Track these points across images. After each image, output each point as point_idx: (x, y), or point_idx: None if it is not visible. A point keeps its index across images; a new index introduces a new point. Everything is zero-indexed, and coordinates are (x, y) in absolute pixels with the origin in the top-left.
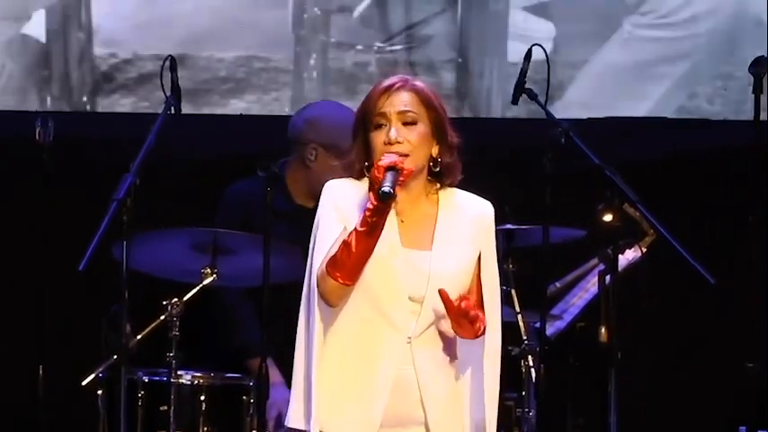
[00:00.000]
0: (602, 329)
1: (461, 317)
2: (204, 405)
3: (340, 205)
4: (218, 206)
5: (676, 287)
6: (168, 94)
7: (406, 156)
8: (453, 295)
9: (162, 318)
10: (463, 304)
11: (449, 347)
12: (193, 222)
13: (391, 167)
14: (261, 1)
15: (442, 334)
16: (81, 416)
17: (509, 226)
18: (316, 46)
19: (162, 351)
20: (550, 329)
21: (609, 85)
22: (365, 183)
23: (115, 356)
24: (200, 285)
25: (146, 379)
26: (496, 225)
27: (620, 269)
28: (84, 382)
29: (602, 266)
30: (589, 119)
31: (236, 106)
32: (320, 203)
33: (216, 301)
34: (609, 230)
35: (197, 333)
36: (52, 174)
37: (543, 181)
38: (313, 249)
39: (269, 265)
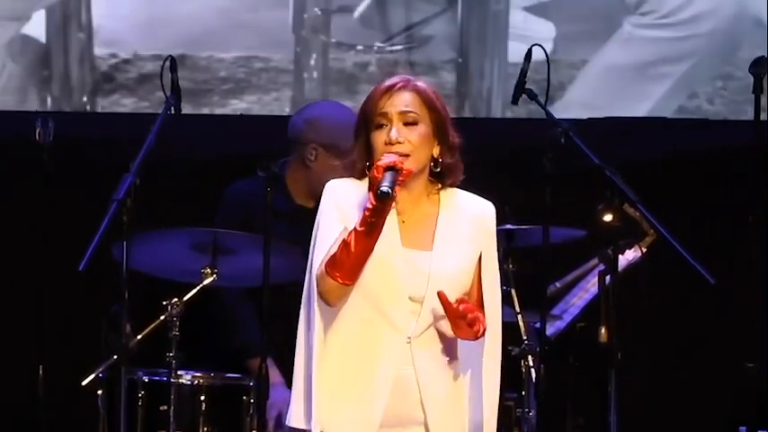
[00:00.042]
0: (602, 329)
1: (460, 319)
2: (204, 405)
3: (341, 205)
4: (218, 206)
5: (676, 287)
6: (168, 94)
7: (407, 156)
8: (453, 296)
9: (162, 318)
10: (462, 307)
11: (449, 348)
12: (193, 222)
13: (390, 167)
14: (261, 1)
15: (441, 334)
16: (81, 416)
17: (509, 226)
18: (316, 46)
19: (162, 351)
20: (550, 329)
21: (609, 85)
22: (367, 183)
23: (115, 356)
24: (201, 285)
25: (146, 379)
26: (497, 225)
27: (620, 269)
28: (84, 382)
29: (602, 266)
30: (589, 119)
31: (236, 106)
32: (321, 203)
33: (216, 301)
34: (609, 230)
35: (197, 333)
36: (52, 174)
37: (543, 181)
38: (313, 249)
39: (269, 265)
